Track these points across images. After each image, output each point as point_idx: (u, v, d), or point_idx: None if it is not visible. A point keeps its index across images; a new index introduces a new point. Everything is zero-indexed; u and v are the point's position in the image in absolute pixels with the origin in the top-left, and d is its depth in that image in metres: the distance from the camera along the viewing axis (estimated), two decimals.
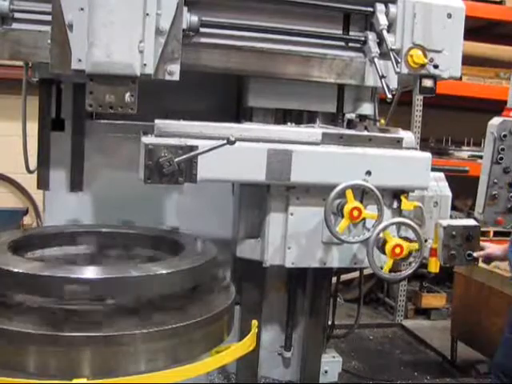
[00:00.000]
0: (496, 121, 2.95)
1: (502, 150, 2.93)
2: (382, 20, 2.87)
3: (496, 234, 5.42)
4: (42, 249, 2.79)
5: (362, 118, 3.35)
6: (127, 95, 2.44)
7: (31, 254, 2.71)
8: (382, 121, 3.55)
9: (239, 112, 3.34)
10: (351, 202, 2.61)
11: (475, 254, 2.88)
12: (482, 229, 3.03)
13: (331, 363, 3.65)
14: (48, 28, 2.43)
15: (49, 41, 2.43)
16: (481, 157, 3.17)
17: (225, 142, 2.41)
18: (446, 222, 2.87)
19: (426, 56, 2.86)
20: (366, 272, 3.94)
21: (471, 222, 2.93)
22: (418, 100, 5.15)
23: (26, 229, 4.49)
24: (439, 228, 2.86)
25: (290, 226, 2.82)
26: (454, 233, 2.81)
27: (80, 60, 2.37)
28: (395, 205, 2.89)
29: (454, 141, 5.89)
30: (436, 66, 2.89)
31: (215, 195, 3.18)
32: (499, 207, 2.98)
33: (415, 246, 2.68)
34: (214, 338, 2.41)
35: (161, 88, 2.84)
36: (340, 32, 2.99)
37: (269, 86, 3.06)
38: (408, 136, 2.96)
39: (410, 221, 2.73)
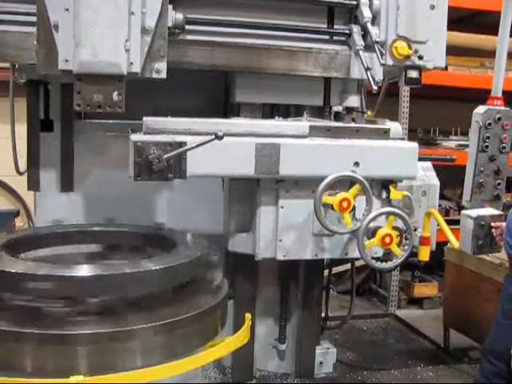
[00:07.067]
0: (481, 109, 2.98)
1: (488, 138, 2.96)
2: (366, 13, 2.90)
3: None
4: (34, 249, 2.80)
5: (349, 110, 3.38)
6: (115, 94, 2.45)
7: (24, 254, 2.72)
8: (369, 112, 3.57)
9: (227, 108, 3.36)
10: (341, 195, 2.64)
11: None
12: None
13: (326, 354, 3.69)
14: (34, 29, 2.44)
15: (35, 42, 2.44)
16: (468, 146, 3.20)
17: (213, 137, 2.43)
18: (474, 213, 2.81)
19: (410, 47, 2.89)
20: (357, 263, 3.98)
21: (491, 211, 2.88)
22: (405, 91, 5.15)
23: (17, 230, 4.47)
24: (467, 219, 2.79)
25: (281, 218, 2.85)
26: (482, 223, 2.78)
27: (67, 60, 2.38)
28: (384, 195, 2.92)
29: (442, 131, 5.90)
30: (421, 57, 2.93)
31: (205, 191, 3.19)
32: (486, 195, 3.02)
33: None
34: (208, 332, 2.43)
35: (148, 86, 2.85)
36: (325, 26, 3.02)
37: (255, 82, 3.08)
38: (395, 126, 2.99)
39: (400, 210, 2.77)
